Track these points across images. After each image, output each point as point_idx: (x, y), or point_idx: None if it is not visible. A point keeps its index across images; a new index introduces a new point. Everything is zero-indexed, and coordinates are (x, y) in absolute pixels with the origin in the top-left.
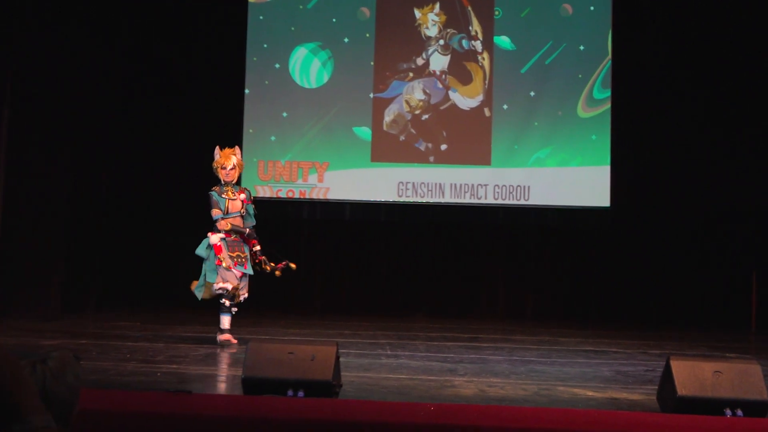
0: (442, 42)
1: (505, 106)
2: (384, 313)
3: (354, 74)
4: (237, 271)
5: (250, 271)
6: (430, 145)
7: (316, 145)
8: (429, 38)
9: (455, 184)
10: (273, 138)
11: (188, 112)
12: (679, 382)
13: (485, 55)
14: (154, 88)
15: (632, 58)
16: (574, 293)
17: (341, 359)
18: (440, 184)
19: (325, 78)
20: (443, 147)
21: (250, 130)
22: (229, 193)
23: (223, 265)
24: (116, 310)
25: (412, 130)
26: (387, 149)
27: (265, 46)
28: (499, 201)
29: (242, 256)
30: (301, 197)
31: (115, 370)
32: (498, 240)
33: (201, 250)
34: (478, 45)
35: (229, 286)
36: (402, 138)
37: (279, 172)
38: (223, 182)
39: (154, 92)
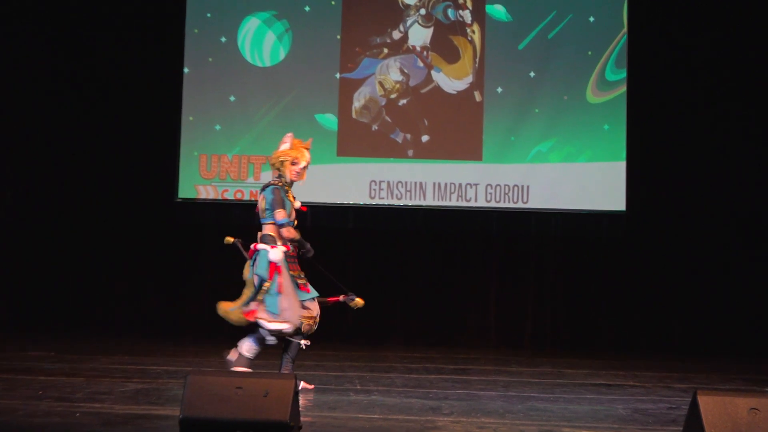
0: (423, 11)
1: (499, 90)
2: (353, 340)
3: (316, 50)
4: (309, 303)
5: (315, 293)
6: (408, 136)
7: (270, 135)
8: (408, 6)
9: (439, 184)
10: (218, 127)
11: (113, 99)
12: (708, 422)
13: (475, 27)
14: (68, 70)
15: (652, 32)
16: (582, 315)
17: (300, 395)
18: (421, 184)
19: (282, 55)
20: (425, 138)
21: (190, 118)
22: (291, 196)
23: (283, 294)
24: (25, 337)
25: (387, 118)
26: (356, 141)
27: (209, 15)
28: (493, 204)
29: (301, 274)
30: (253, 199)
31: (25, 410)
32: (490, 251)
33: (264, 269)
34: (466, 15)
35: (288, 328)
36: (375, 127)
37: (225, 169)
38: (288, 182)
39: (68, 74)
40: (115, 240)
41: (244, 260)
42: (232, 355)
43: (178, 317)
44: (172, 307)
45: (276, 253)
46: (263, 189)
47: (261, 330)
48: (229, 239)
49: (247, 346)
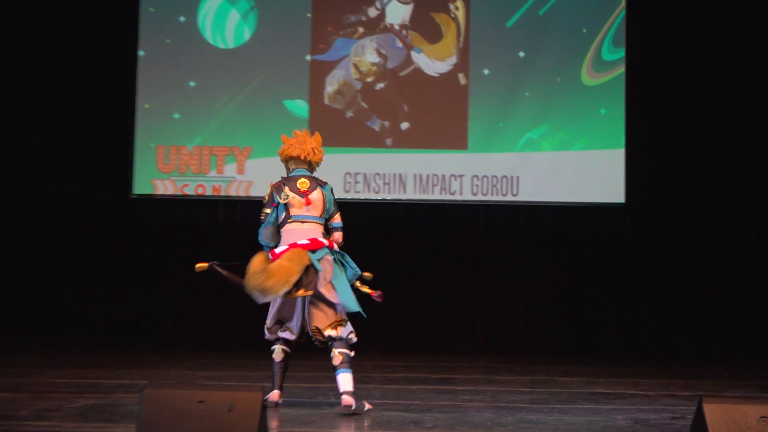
0: None
1: (486, 71)
2: (327, 348)
3: (284, 30)
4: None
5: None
6: (386, 123)
7: (234, 124)
8: None
9: (420, 175)
10: (177, 116)
11: (60, 86)
12: None
13: (459, 3)
14: (9, 53)
15: (653, 8)
16: (579, 318)
17: (269, 410)
18: (401, 175)
19: (246, 35)
20: (404, 126)
21: (146, 106)
22: None
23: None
24: None
25: (363, 104)
26: (330, 129)
27: None
28: (479, 197)
29: None
30: (215, 194)
31: None
32: (478, 248)
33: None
34: None
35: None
36: (349, 114)
37: (185, 162)
38: None
39: (9, 58)
40: (63, 241)
41: (228, 283)
42: (350, 402)
43: (136, 325)
44: (128, 314)
45: None
46: (324, 186)
47: (348, 332)
48: (202, 265)
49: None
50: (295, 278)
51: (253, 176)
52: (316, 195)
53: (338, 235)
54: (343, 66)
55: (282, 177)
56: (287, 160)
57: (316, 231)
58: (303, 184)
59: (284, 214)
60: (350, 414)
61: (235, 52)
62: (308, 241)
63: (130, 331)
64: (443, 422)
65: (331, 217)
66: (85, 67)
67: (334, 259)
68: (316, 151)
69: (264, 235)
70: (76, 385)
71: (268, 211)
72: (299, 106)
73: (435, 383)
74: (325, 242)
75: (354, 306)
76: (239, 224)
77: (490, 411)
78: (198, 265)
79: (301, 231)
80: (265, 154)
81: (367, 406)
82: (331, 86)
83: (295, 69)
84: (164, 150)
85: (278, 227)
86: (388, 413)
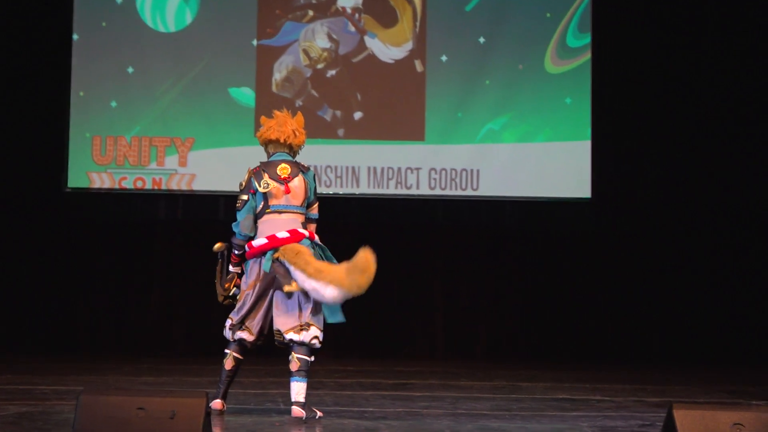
0: None
1: (443, 58)
2: (273, 351)
3: (229, 13)
4: None
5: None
6: (338, 112)
7: (176, 113)
8: None
9: (375, 168)
10: (114, 104)
11: None
12: None
13: None
14: None
15: None
16: (543, 320)
17: (215, 416)
18: (353, 168)
19: (188, 18)
20: (357, 115)
21: (81, 93)
22: None
23: None
24: None
25: (314, 92)
26: None
27: None
28: (437, 191)
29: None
30: (156, 188)
31: None
32: (436, 246)
33: None
34: None
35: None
36: (299, 103)
37: (123, 153)
38: None
39: None
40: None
41: (219, 276)
42: (300, 414)
43: (70, 329)
44: (61, 317)
45: None
46: (306, 171)
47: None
48: (221, 245)
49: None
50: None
51: (196, 169)
52: (297, 182)
53: (313, 227)
54: (292, 52)
55: (261, 162)
56: (266, 143)
57: (296, 221)
58: (283, 170)
59: (262, 203)
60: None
61: (176, 36)
62: (287, 234)
63: (64, 336)
64: (399, 430)
65: (309, 206)
66: (16, 51)
67: (315, 254)
68: (297, 133)
69: (243, 225)
70: (6, 392)
71: (245, 197)
72: (245, 94)
73: (390, 389)
74: (306, 233)
75: (335, 316)
76: (181, 220)
77: (449, 418)
78: (217, 246)
79: (279, 222)
80: (208, 146)
81: (318, 414)
82: (279, 73)
83: (240, 54)
84: (100, 141)
85: (256, 217)
86: (340, 421)
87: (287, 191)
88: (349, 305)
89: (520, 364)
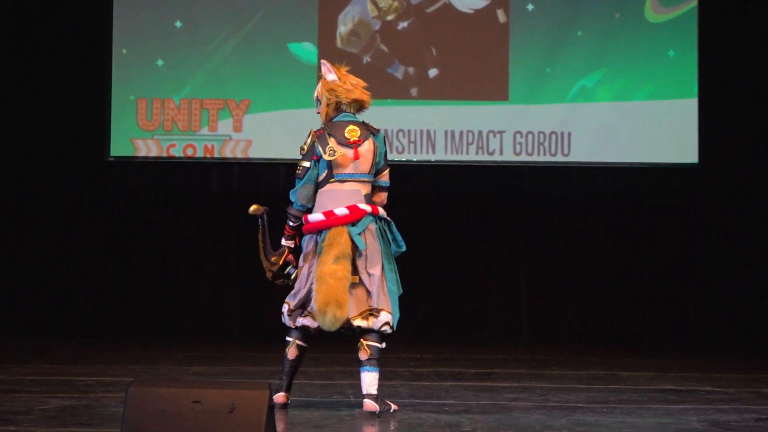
0: None
1: (529, 7)
2: (342, 338)
3: None
4: None
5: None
6: (411, 69)
7: (229, 72)
8: None
9: (452, 132)
10: (160, 62)
11: (19, 28)
12: None
13: None
14: None
15: None
16: (640, 302)
17: (277, 410)
18: (429, 132)
19: None
20: (432, 73)
21: (123, 51)
22: None
23: None
24: None
25: (383, 47)
26: None
27: None
28: (523, 157)
29: None
30: (207, 156)
31: None
32: (521, 219)
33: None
34: None
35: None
36: (366, 59)
37: (171, 117)
38: None
39: None
40: (28, 214)
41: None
42: (373, 408)
43: (115, 313)
44: (106, 300)
45: None
46: (376, 134)
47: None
48: (257, 208)
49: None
50: (345, 295)
51: (252, 134)
52: (367, 146)
53: (384, 196)
54: (359, 2)
55: (324, 123)
56: (336, 104)
57: (358, 193)
58: (352, 132)
59: (326, 172)
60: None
61: None
62: (347, 210)
63: (109, 321)
64: (484, 425)
65: (379, 173)
66: (51, 5)
67: (378, 229)
68: (365, 91)
69: (301, 195)
70: (45, 383)
71: (306, 164)
72: (306, 50)
73: (472, 379)
74: (368, 209)
75: (397, 293)
76: (236, 192)
77: (540, 412)
78: (252, 208)
79: (341, 194)
80: (266, 108)
81: (393, 407)
82: (344, 26)
83: (301, 5)
84: (146, 104)
85: (317, 186)
86: (417, 415)
87: (356, 156)
88: (424, 287)
89: (616, 351)
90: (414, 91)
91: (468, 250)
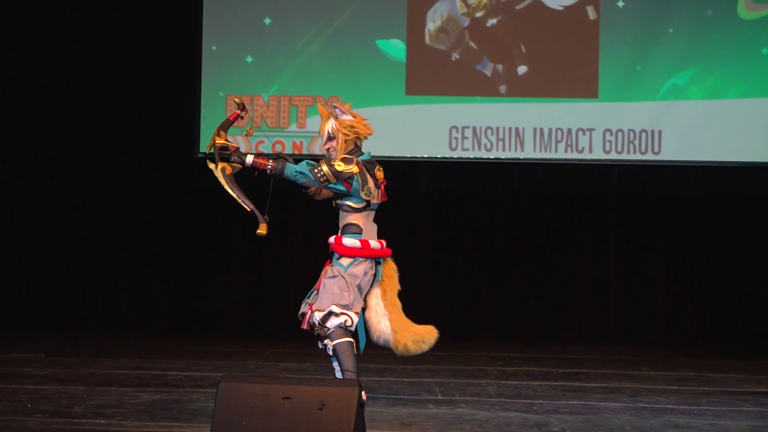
0: None
1: (620, 3)
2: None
3: None
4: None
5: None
6: (500, 67)
7: (318, 69)
8: None
9: (541, 129)
10: (249, 59)
11: (110, 25)
12: None
13: None
14: None
15: None
16: (735, 302)
17: (367, 408)
18: (517, 130)
19: None
20: (521, 70)
21: (213, 48)
22: None
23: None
24: (9, 336)
25: (472, 44)
26: (432, 74)
27: None
28: (612, 155)
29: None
30: (296, 153)
31: (10, 427)
32: (610, 218)
33: None
34: None
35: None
36: (455, 56)
37: (260, 114)
38: None
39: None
40: (117, 212)
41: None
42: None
43: (204, 308)
44: (194, 295)
45: None
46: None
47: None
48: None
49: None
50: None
51: None
52: None
53: None
54: None
55: (362, 160)
56: (356, 139)
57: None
58: (380, 172)
59: (363, 203)
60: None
61: None
62: (379, 245)
63: (199, 316)
64: (573, 425)
65: None
66: (142, 2)
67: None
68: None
69: (306, 181)
70: (137, 378)
71: (333, 180)
72: (395, 47)
73: (560, 378)
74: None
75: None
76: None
77: (629, 413)
78: (217, 140)
79: (374, 227)
80: (354, 105)
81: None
82: (433, 23)
83: (390, 2)
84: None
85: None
86: (506, 414)
87: (383, 198)
88: (511, 285)
89: (706, 352)
90: (503, 89)
91: (557, 249)
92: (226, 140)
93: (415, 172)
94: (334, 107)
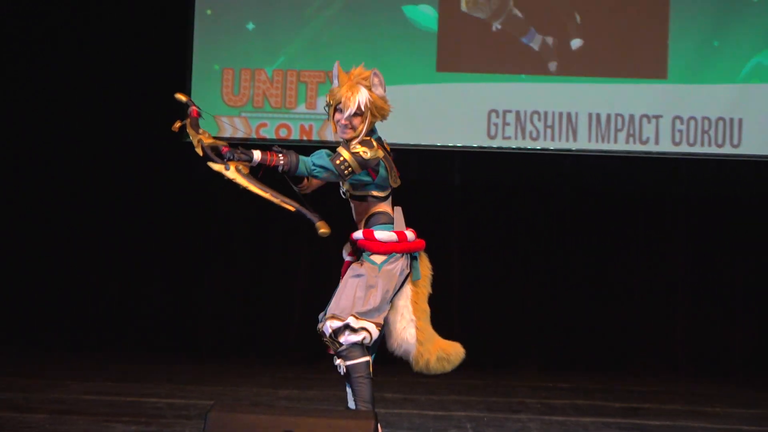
0: None
1: None
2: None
3: None
4: None
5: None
6: (550, 39)
7: (332, 39)
8: None
9: (597, 115)
10: (250, 26)
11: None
12: None
13: None
14: None
15: None
16: None
17: None
18: (569, 115)
19: None
20: (575, 44)
21: (208, 12)
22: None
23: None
24: None
25: (517, 12)
26: (468, 48)
27: None
28: (683, 147)
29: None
30: (305, 139)
31: None
32: (679, 222)
33: None
34: None
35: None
36: (496, 26)
37: (262, 91)
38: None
39: None
40: (92, 207)
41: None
42: None
43: (190, 321)
44: (179, 305)
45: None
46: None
47: None
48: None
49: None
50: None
51: None
52: None
53: None
54: None
55: (381, 138)
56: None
57: None
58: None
59: (383, 186)
60: None
61: None
62: (414, 236)
63: (184, 332)
64: None
65: None
66: None
67: None
68: None
69: (324, 177)
70: (109, 405)
71: (358, 171)
72: (425, 14)
73: (617, 414)
74: None
75: None
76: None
77: None
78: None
79: (401, 214)
80: None
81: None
82: None
83: None
84: (233, 75)
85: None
86: None
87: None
88: (557, 304)
89: None
90: (553, 66)
91: (615, 260)
92: (213, 138)
93: (447, 164)
94: (375, 74)
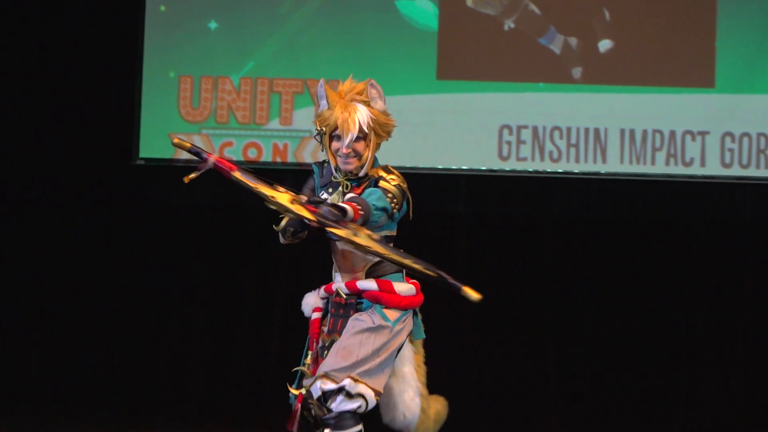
0: None
1: None
2: (470, 423)
3: None
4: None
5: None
6: (573, 41)
7: (310, 41)
8: None
9: (631, 132)
10: (213, 25)
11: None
12: None
13: None
14: None
15: None
16: None
17: None
18: (597, 131)
19: None
20: (604, 46)
21: (162, 8)
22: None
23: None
24: None
25: (533, 8)
26: (475, 52)
27: None
28: (735, 170)
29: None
30: (278, 160)
31: None
32: (737, 261)
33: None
34: None
35: None
36: (509, 25)
37: (227, 103)
38: (332, 167)
39: None
40: (33, 234)
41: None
42: None
43: (144, 378)
44: (131, 358)
45: (309, 302)
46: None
47: None
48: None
49: None
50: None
51: None
52: None
53: None
54: None
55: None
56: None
57: None
58: None
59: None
60: None
61: None
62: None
63: (136, 391)
64: None
65: None
66: None
67: None
68: None
69: (380, 220)
70: None
71: (396, 210)
72: (422, 10)
73: None
74: None
75: None
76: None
77: None
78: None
79: None
80: None
81: None
82: None
83: None
84: (191, 84)
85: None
86: None
87: None
88: (585, 352)
89: None
90: (577, 72)
91: (655, 303)
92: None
93: (451, 191)
94: (372, 85)
